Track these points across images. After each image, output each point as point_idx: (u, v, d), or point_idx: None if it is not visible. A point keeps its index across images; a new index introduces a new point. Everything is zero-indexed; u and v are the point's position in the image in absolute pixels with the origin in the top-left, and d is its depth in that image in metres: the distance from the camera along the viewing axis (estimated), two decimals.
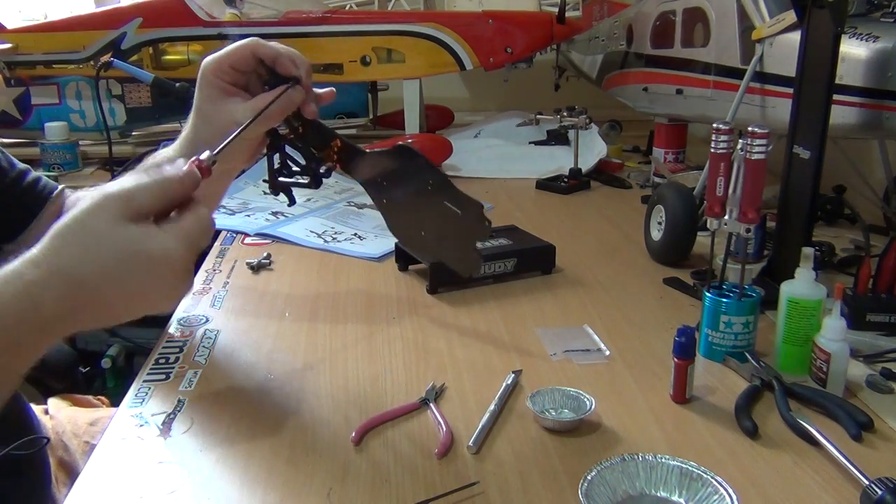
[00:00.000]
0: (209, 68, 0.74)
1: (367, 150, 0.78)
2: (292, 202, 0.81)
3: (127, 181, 0.55)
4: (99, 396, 1.10)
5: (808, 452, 0.67)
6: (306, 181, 0.78)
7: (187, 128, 0.78)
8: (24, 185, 0.87)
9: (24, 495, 0.78)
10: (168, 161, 0.58)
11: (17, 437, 0.80)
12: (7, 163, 0.87)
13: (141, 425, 0.71)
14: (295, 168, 0.78)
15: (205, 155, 0.58)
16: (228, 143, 0.63)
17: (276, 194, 0.80)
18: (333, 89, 0.78)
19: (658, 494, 0.60)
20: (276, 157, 0.78)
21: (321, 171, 0.77)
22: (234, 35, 1.77)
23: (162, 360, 0.84)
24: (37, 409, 0.97)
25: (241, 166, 0.81)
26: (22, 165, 0.89)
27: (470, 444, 0.67)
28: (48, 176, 0.97)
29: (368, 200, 1.44)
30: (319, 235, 1.26)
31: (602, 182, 1.64)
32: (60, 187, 0.91)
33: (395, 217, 0.81)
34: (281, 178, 0.78)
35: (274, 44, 0.73)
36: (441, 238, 0.79)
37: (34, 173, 0.90)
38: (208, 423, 0.72)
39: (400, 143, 0.78)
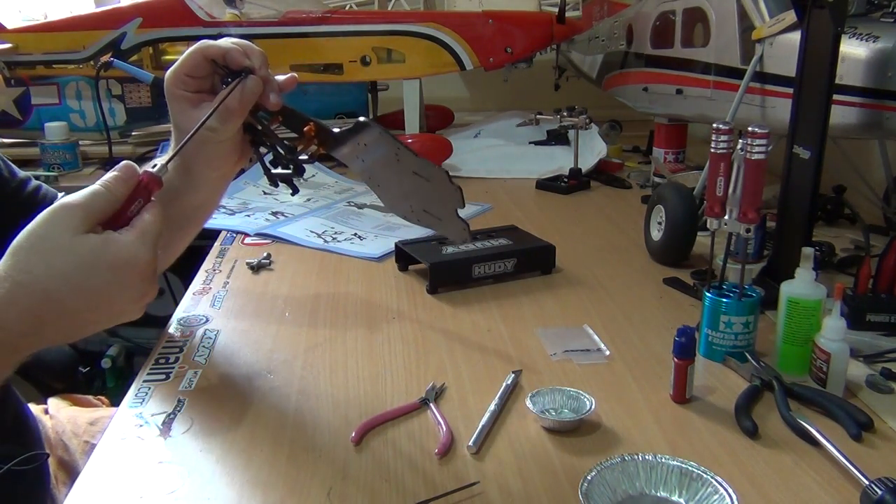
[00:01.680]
0: (169, 82, 0.73)
1: (336, 131, 0.76)
2: (295, 191, 0.80)
3: (81, 192, 0.56)
4: (99, 396, 1.10)
5: (808, 452, 0.67)
6: (290, 171, 0.77)
7: (171, 143, 0.79)
8: (25, 193, 0.87)
9: (24, 495, 0.78)
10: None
11: (15, 438, 0.80)
12: (9, 172, 0.87)
13: (141, 425, 0.71)
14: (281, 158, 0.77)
15: (157, 167, 0.60)
16: (177, 152, 0.67)
17: (277, 185, 0.79)
18: (295, 75, 0.76)
19: (658, 494, 0.60)
20: (268, 153, 0.78)
21: (301, 158, 0.76)
22: (235, 35, 1.77)
23: (162, 360, 0.84)
24: (36, 408, 0.97)
25: (234, 169, 0.80)
26: (23, 174, 0.89)
27: (470, 444, 0.67)
28: (48, 176, 0.97)
29: (368, 200, 1.45)
30: (319, 235, 1.26)
31: (602, 182, 1.64)
32: (60, 195, 0.91)
33: (384, 193, 0.80)
34: (276, 171, 0.78)
35: (223, 41, 0.72)
36: (426, 209, 0.78)
37: (35, 182, 0.90)
38: (208, 423, 0.72)
39: (360, 118, 0.77)
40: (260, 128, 0.76)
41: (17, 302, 0.52)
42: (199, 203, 0.82)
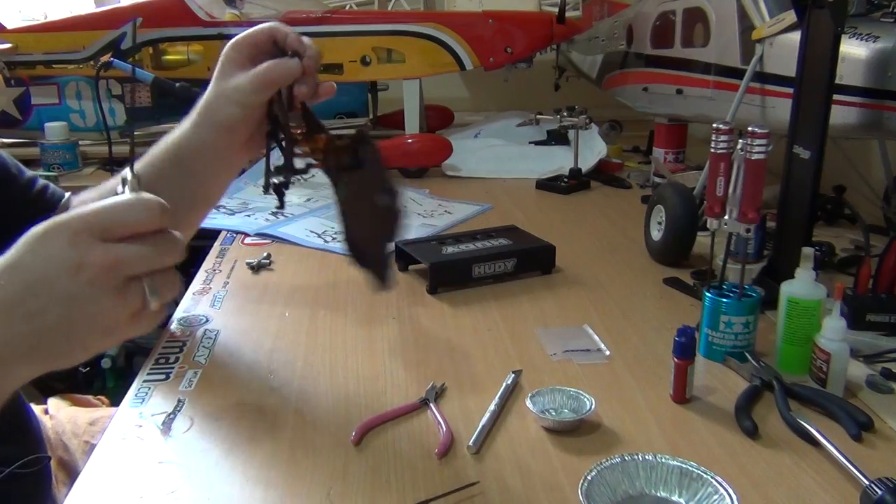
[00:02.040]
0: (230, 45, 0.76)
1: (343, 160, 0.72)
2: (281, 206, 0.77)
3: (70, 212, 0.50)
4: (99, 396, 1.10)
5: (808, 452, 0.67)
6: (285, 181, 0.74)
7: (197, 105, 0.79)
8: (33, 192, 0.87)
9: (24, 495, 0.78)
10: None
11: (15, 437, 0.80)
12: (17, 170, 0.87)
13: (141, 425, 0.71)
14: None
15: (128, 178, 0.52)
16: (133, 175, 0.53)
17: (267, 191, 0.76)
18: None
19: (658, 494, 0.60)
20: (276, 155, 0.77)
21: (297, 156, 0.74)
22: (235, 35, 1.77)
23: (162, 360, 0.84)
24: (36, 408, 0.97)
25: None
26: (30, 173, 0.89)
27: (470, 444, 0.67)
28: (48, 176, 0.97)
29: None
30: (319, 235, 1.26)
31: (602, 182, 1.64)
32: (67, 195, 0.90)
33: (349, 223, 0.74)
34: (275, 180, 0.74)
35: (290, 29, 0.75)
36: (366, 242, 0.74)
37: (42, 181, 0.89)
38: (208, 423, 0.72)
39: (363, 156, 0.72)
40: (279, 116, 0.75)
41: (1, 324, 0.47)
42: (202, 187, 0.82)
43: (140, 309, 0.48)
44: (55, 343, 0.48)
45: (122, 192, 0.50)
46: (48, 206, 0.87)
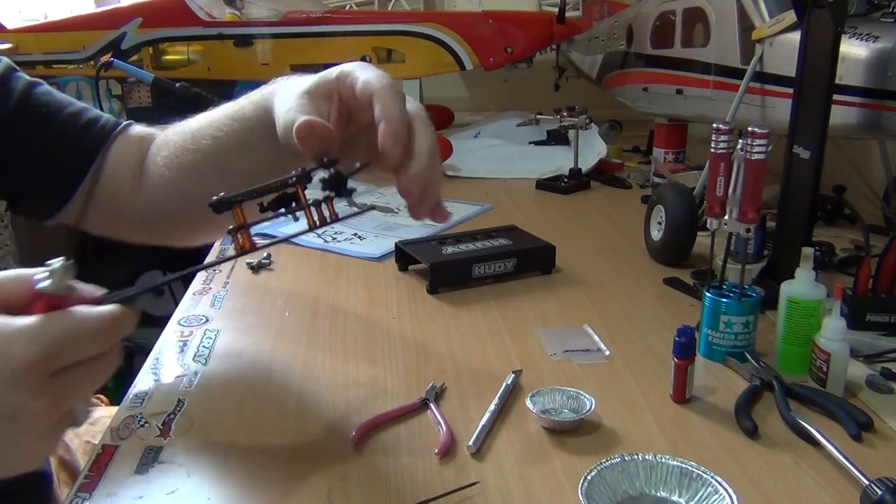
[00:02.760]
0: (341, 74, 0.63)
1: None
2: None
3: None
4: (98, 395, 1.10)
5: (808, 452, 0.67)
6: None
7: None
8: (78, 126, 0.80)
9: (24, 496, 0.78)
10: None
11: None
12: (57, 105, 0.79)
13: (141, 425, 0.71)
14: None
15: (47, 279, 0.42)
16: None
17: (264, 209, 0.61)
18: (446, 212, 0.63)
19: (658, 494, 0.60)
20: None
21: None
22: (235, 35, 1.77)
23: (162, 360, 0.84)
24: None
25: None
26: (78, 104, 0.81)
27: (470, 444, 0.67)
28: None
29: (369, 200, 1.45)
30: (319, 235, 1.26)
31: (602, 182, 1.64)
32: (124, 123, 0.82)
33: None
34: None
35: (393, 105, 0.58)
36: None
37: (93, 112, 0.82)
38: (208, 423, 0.72)
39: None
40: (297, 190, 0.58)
41: None
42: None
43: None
44: None
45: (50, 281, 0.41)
46: (97, 139, 0.80)
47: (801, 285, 0.80)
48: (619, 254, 1.20)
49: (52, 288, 0.42)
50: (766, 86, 1.15)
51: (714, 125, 0.85)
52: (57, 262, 0.42)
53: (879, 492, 0.57)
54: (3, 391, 0.39)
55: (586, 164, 1.65)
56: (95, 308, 0.42)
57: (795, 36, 1.02)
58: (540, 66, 2.00)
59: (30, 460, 0.44)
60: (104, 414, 0.97)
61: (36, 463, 0.45)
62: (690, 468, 0.60)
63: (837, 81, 0.91)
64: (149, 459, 0.66)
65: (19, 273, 0.43)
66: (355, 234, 1.27)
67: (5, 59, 0.81)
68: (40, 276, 0.42)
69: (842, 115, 0.96)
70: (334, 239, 1.25)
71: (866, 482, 0.59)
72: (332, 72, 0.64)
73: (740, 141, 0.81)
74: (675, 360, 0.74)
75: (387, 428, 0.71)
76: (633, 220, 1.31)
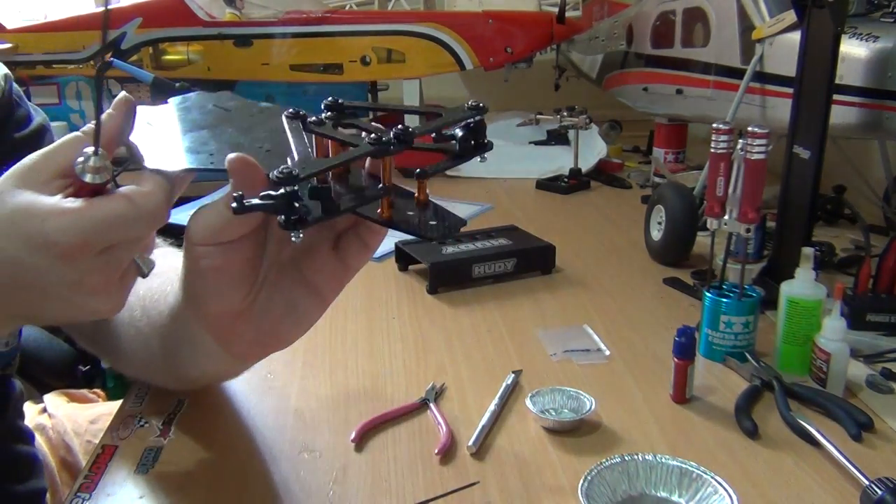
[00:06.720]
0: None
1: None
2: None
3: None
4: (94, 390, 1.10)
5: (808, 452, 0.67)
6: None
7: None
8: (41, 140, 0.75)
9: (25, 496, 0.78)
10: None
11: (10, 476, 0.78)
12: (25, 113, 0.75)
13: (141, 425, 0.71)
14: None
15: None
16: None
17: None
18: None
19: (658, 494, 0.60)
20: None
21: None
22: (235, 35, 1.77)
23: None
24: (35, 408, 0.97)
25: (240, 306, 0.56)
26: (41, 118, 0.77)
27: (470, 444, 0.67)
28: None
29: None
30: None
31: (602, 182, 1.64)
32: None
33: None
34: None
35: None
36: None
37: (41, 121, 0.77)
38: (208, 423, 0.72)
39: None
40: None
41: None
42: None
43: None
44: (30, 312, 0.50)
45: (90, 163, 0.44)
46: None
47: (801, 285, 0.80)
48: (619, 254, 1.20)
49: (94, 178, 0.45)
50: (766, 86, 1.15)
51: (714, 125, 0.85)
52: (90, 151, 0.45)
53: (879, 492, 0.57)
54: (59, 269, 0.44)
55: (586, 164, 1.65)
56: (138, 194, 0.46)
57: (795, 36, 1.02)
58: (540, 66, 2.00)
59: (110, 309, 0.48)
60: (104, 411, 0.97)
61: (116, 309, 0.49)
62: (690, 468, 0.60)
63: (837, 81, 0.91)
64: (149, 459, 0.66)
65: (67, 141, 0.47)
66: None
67: (42, 114, 0.77)
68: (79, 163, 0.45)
69: (842, 114, 0.96)
70: None
71: (866, 482, 0.59)
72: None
73: (740, 141, 0.81)
74: (675, 360, 0.74)
75: (387, 428, 0.71)
76: (633, 220, 1.31)
